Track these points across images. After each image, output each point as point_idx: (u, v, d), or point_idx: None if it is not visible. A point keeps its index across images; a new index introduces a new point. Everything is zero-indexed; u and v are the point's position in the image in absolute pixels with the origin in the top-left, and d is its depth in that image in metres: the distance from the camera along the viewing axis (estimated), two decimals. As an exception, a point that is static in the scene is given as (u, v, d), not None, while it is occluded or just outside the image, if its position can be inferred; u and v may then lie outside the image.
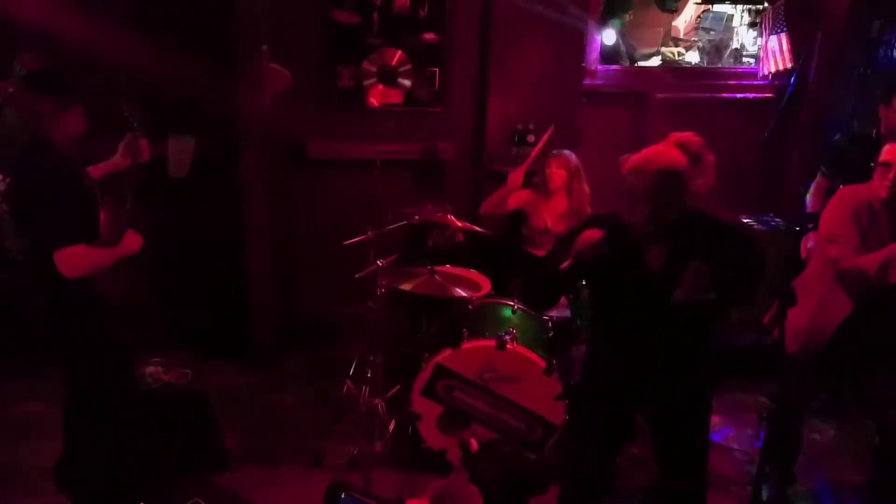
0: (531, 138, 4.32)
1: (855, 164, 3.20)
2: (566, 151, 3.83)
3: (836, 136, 4.09)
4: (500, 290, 3.65)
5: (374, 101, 4.30)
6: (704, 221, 2.32)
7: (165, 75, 3.58)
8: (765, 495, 3.06)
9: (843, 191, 2.96)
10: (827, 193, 3.60)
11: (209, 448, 3.25)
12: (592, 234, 2.22)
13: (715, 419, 3.90)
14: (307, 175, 4.26)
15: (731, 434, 3.76)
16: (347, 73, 4.19)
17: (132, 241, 2.51)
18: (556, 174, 3.78)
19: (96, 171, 2.64)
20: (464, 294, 3.40)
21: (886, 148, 2.75)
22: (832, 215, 2.87)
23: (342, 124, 4.29)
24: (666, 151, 2.25)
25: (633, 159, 2.24)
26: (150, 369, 3.36)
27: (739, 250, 2.33)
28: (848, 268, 2.74)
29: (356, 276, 3.18)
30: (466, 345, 3.11)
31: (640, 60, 5.88)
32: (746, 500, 2.89)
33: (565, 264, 2.22)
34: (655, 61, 6.01)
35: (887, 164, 2.72)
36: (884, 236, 2.73)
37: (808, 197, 3.87)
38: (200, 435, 3.24)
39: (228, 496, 3.08)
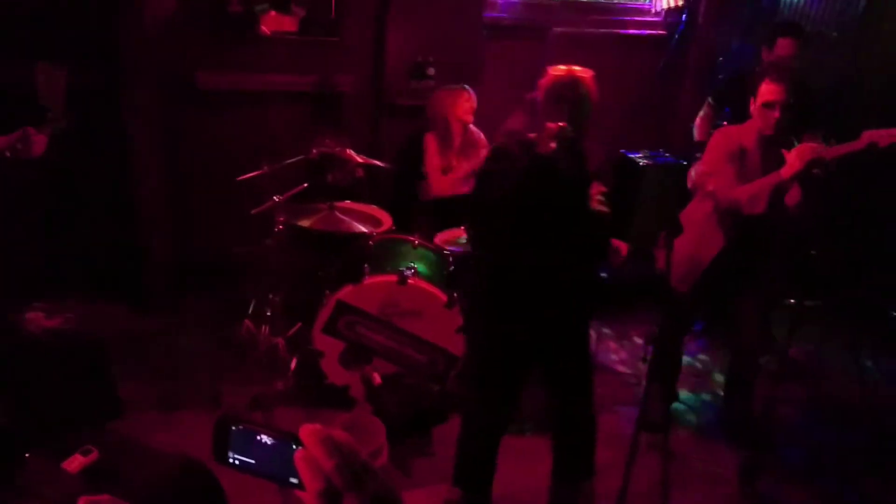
0: (431, 71, 4.25)
1: (737, 101, 3.35)
2: (462, 88, 3.79)
3: (721, 75, 4.28)
4: (402, 225, 3.64)
5: (266, 29, 4.08)
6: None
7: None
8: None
9: (721, 131, 3.13)
10: (713, 124, 3.80)
11: (101, 395, 3.12)
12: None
13: (607, 345, 4.13)
14: (198, 108, 4.03)
15: (620, 358, 3.98)
16: (237, -3, 3.95)
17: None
18: (453, 114, 3.75)
19: None
20: (364, 230, 3.37)
21: (766, 88, 2.89)
22: (711, 153, 3.05)
23: (234, 54, 4.05)
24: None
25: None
26: (30, 315, 3.15)
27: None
28: (723, 199, 2.93)
29: (252, 212, 3.08)
30: (368, 280, 3.11)
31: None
32: (634, 418, 3.10)
33: None
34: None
35: (770, 105, 2.87)
36: (756, 171, 2.93)
37: (695, 127, 4.06)
38: (91, 382, 3.10)
39: (122, 442, 2.99)
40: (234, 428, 0.83)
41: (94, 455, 2.74)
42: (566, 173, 2.27)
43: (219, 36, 3.98)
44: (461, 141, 3.84)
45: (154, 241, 3.90)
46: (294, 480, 0.77)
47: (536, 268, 2.38)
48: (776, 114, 2.85)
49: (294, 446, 0.77)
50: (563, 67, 2.35)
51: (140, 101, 3.71)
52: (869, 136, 2.81)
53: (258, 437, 0.82)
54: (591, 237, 2.44)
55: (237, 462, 0.83)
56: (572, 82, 2.31)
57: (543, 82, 2.34)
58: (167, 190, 3.90)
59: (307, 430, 0.77)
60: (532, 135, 2.32)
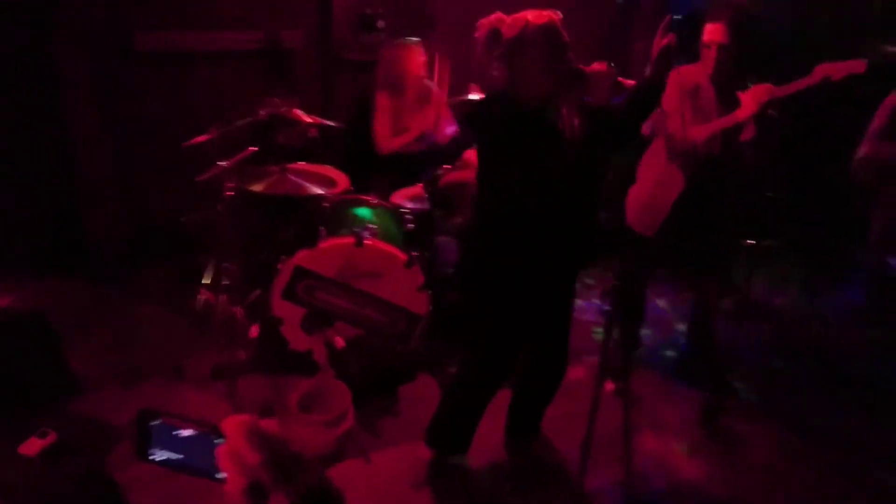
0: (381, 23, 4.12)
1: (690, 43, 3.30)
2: (411, 42, 3.67)
3: (679, 14, 4.20)
4: (359, 185, 3.57)
5: (207, -16, 3.90)
6: None
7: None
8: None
9: (676, 71, 3.07)
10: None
11: (55, 374, 3.04)
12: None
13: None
14: (137, 70, 3.86)
15: (582, 307, 4.00)
16: (172, -49, 3.75)
17: None
18: (406, 71, 3.65)
19: None
20: (319, 191, 3.28)
21: (706, 28, 2.85)
22: (667, 94, 3.00)
23: (174, 12, 3.87)
24: None
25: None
26: (-27, 296, 3.04)
27: None
28: (680, 141, 2.91)
29: (197, 179, 2.97)
30: (324, 244, 3.04)
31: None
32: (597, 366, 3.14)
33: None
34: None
35: (707, 45, 2.85)
36: (711, 109, 2.91)
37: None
38: (43, 361, 3.01)
39: (81, 421, 2.94)
40: (153, 422, 0.78)
41: (51, 437, 2.69)
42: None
43: (155, -6, 3.80)
44: (415, 96, 3.74)
45: (99, 209, 3.76)
46: (220, 476, 0.73)
47: (563, 226, 2.34)
48: (713, 53, 2.83)
49: (216, 439, 0.73)
50: (538, 13, 2.19)
51: (74, 64, 3.53)
52: (822, 69, 2.79)
53: (179, 431, 0.78)
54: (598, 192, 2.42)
55: (161, 458, 0.79)
56: (559, 27, 2.18)
57: (529, 32, 2.17)
58: (108, 157, 3.75)
59: (231, 424, 0.72)
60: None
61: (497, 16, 2.23)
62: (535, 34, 2.15)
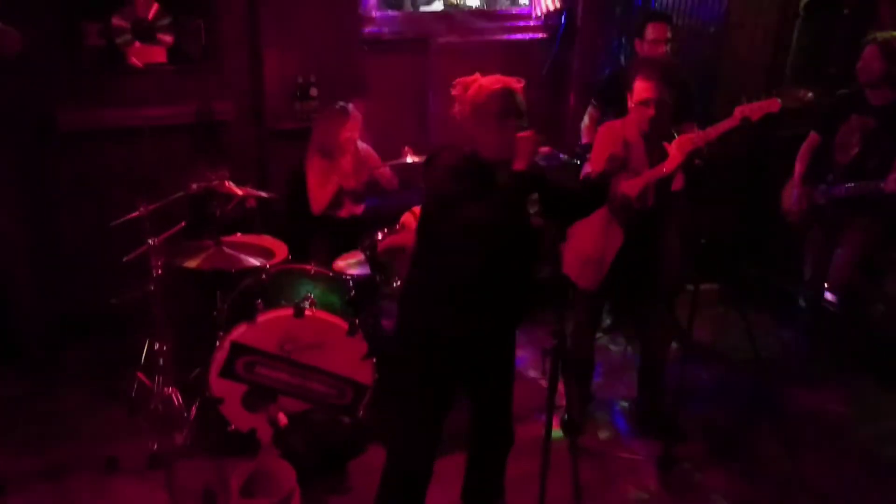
0: (314, 91, 4.13)
1: (616, 98, 3.40)
2: (347, 109, 3.69)
3: (605, 72, 4.36)
4: (300, 253, 3.50)
5: (135, 61, 3.85)
6: None
7: None
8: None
9: (604, 126, 3.16)
10: (598, 124, 3.84)
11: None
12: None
13: (520, 352, 4.09)
14: (61, 150, 3.76)
15: (531, 363, 3.94)
16: (95, 29, 3.70)
17: None
18: (341, 138, 3.66)
19: None
20: (256, 263, 3.21)
21: (639, 86, 2.91)
22: (597, 150, 3.07)
23: (98, 89, 3.81)
24: None
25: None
26: None
27: None
28: (614, 195, 2.96)
29: (124, 259, 2.87)
30: (262, 317, 2.95)
31: (424, 6, 5.83)
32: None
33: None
34: (439, 6, 6.00)
35: (645, 102, 2.90)
36: (641, 163, 2.97)
37: (582, 129, 4.11)
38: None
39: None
40: None
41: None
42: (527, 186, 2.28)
43: (80, 72, 3.74)
44: (348, 159, 3.73)
45: (17, 294, 3.59)
46: None
47: (502, 283, 2.33)
48: (651, 111, 2.89)
49: None
50: (494, 79, 2.27)
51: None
52: (741, 111, 2.90)
53: None
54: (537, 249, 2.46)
55: None
56: (513, 94, 2.25)
57: (480, 98, 2.24)
58: (27, 240, 3.60)
59: None
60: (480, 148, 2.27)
61: (473, 77, 2.30)
62: (489, 98, 2.22)
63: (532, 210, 2.41)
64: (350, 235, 3.61)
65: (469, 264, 2.28)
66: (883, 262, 3.91)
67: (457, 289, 2.32)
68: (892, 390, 3.77)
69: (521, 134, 2.22)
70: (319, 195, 3.71)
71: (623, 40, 4.80)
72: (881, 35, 3.49)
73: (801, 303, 4.10)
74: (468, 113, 2.26)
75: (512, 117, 2.23)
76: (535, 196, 2.40)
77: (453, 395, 2.50)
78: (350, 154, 3.72)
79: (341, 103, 3.70)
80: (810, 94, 4.37)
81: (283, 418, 2.90)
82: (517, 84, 2.28)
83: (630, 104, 2.97)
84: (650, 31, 3.69)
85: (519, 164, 2.21)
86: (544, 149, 2.47)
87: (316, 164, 3.72)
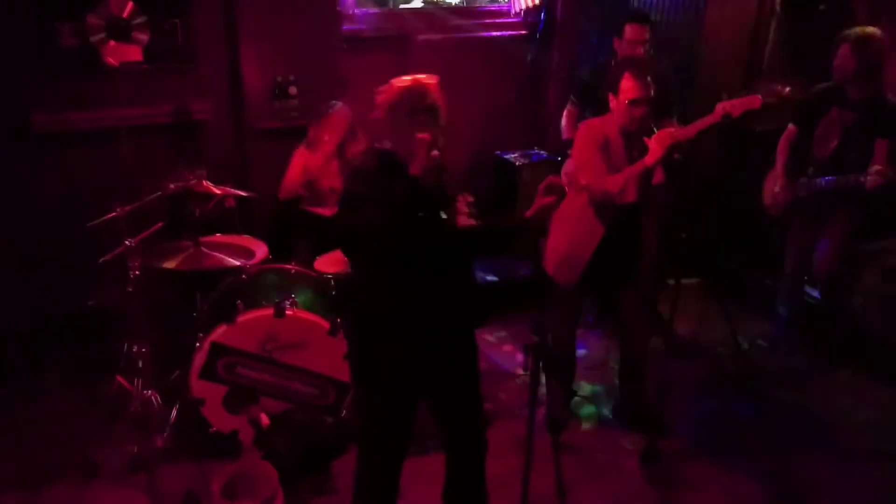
0: (293, 90, 4.10)
1: (598, 94, 3.40)
2: (338, 107, 3.67)
3: (583, 69, 4.36)
4: (282, 252, 3.47)
5: (111, 60, 3.80)
6: None
7: None
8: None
9: (585, 124, 3.15)
10: (578, 120, 3.85)
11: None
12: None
13: (505, 348, 4.11)
14: (36, 153, 3.70)
15: (518, 361, 3.95)
16: (68, 29, 3.64)
17: None
18: (332, 136, 3.64)
19: None
20: (236, 263, 3.18)
21: (628, 85, 2.87)
22: (579, 147, 3.07)
23: (73, 90, 3.75)
24: None
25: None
26: None
27: None
28: (596, 191, 2.96)
29: (100, 261, 2.82)
30: (242, 317, 2.92)
31: (404, 3, 5.81)
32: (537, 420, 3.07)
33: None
34: (418, 3, 5.98)
35: (636, 102, 2.88)
36: (621, 160, 2.97)
37: (562, 125, 4.11)
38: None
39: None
40: None
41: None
42: (438, 189, 2.16)
43: (54, 72, 3.68)
44: (333, 160, 3.71)
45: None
46: None
47: (416, 296, 2.20)
48: (642, 110, 2.89)
49: None
50: (406, 78, 2.18)
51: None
52: (722, 107, 2.92)
53: None
54: (466, 254, 2.31)
55: None
56: (424, 90, 2.18)
57: (390, 96, 2.15)
58: (1, 243, 3.55)
59: None
60: (394, 149, 2.19)
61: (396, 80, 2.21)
62: (399, 95, 2.15)
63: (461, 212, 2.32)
64: (333, 234, 3.59)
65: (378, 274, 2.19)
66: (861, 255, 3.94)
67: (376, 303, 2.21)
68: (874, 381, 3.81)
69: (420, 135, 2.11)
70: (287, 182, 3.69)
71: (601, 38, 4.81)
72: (853, 32, 3.52)
73: (781, 311, 4.12)
74: (382, 112, 2.17)
75: (421, 114, 2.13)
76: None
77: (411, 420, 2.38)
78: (329, 153, 3.68)
79: (332, 102, 3.69)
80: (788, 90, 4.40)
81: (265, 419, 2.88)
82: (429, 80, 2.18)
83: (612, 102, 2.96)
84: (629, 32, 3.69)
85: (414, 169, 2.10)
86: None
87: (300, 154, 3.71)
